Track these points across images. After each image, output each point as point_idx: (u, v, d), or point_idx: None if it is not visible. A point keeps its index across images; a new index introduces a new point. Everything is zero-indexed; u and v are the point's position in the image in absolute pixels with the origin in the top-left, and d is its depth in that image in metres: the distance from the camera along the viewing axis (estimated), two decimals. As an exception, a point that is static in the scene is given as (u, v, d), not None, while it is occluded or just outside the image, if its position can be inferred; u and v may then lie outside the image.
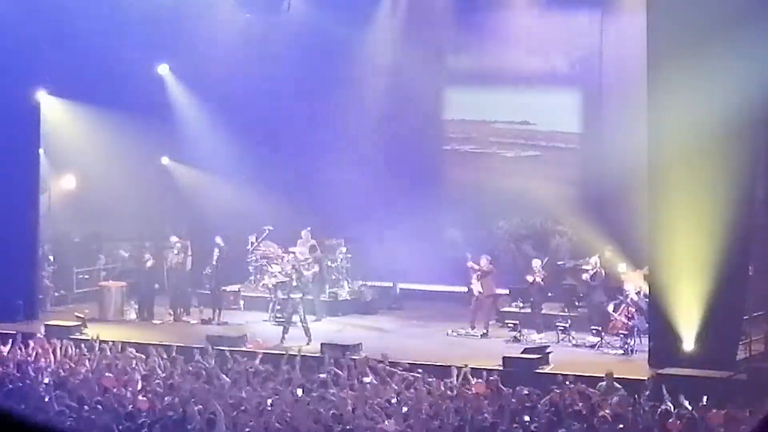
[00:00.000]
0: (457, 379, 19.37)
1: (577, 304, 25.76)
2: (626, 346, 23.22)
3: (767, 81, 20.09)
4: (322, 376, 19.40)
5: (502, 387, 18.82)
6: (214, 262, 26.99)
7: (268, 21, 28.59)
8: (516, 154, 29.34)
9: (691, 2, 20.86)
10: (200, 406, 16.88)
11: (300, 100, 29.64)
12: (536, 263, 25.40)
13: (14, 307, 25.80)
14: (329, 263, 28.05)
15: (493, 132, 29.64)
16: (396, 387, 18.62)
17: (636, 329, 23.34)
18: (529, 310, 25.43)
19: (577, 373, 20.25)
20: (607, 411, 17.08)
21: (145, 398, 17.55)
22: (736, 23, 20.24)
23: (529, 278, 25.12)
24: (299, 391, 18.28)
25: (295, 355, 20.60)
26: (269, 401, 17.42)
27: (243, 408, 16.85)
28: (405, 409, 17.03)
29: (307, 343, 23.71)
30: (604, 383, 19.21)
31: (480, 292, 25.05)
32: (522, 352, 22.38)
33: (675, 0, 21.17)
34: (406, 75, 29.10)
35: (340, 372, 19.71)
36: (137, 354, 21.31)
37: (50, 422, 15.97)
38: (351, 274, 28.51)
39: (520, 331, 24.53)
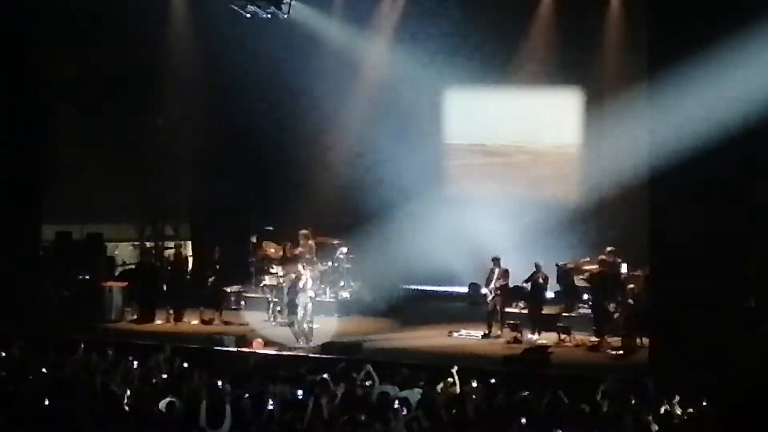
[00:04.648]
0: (457, 380, 19.35)
1: (577, 304, 25.79)
2: (627, 347, 23.24)
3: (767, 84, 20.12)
4: (323, 376, 19.38)
5: (502, 388, 18.80)
6: (215, 263, 26.99)
7: (268, 22, 28.61)
8: (517, 153, 29.36)
9: (692, 3, 20.86)
10: (201, 407, 16.88)
11: (300, 99, 29.65)
12: (537, 264, 25.41)
13: (14, 309, 25.81)
14: (330, 263, 28.06)
15: (495, 130, 29.65)
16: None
17: (636, 330, 23.36)
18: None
19: (578, 374, 20.25)
20: (606, 411, 17.07)
21: (146, 399, 17.54)
22: (737, 25, 20.24)
23: (528, 282, 25.17)
24: (299, 392, 18.26)
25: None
26: (269, 401, 17.42)
27: (243, 408, 16.85)
28: (404, 411, 17.02)
29: (307, 344, 23.76)
30: (604, 384, 19.19)
31: (492, 295, 25.11)
32: (522, 353, 22.40)
33: (675, 0, 21.16)
34: (406, 74, 29.10)
35: (339, 373, 19.69)
36: (138, 355, 21.30)
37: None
38: (351, 274, 28.52)
39: (520, 332, 24.57)
